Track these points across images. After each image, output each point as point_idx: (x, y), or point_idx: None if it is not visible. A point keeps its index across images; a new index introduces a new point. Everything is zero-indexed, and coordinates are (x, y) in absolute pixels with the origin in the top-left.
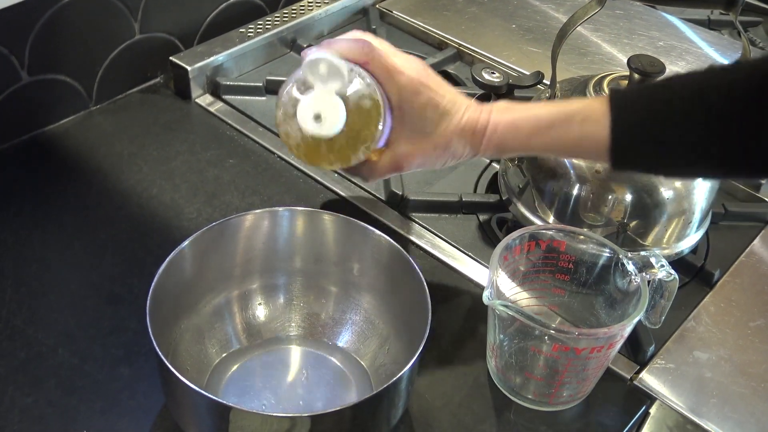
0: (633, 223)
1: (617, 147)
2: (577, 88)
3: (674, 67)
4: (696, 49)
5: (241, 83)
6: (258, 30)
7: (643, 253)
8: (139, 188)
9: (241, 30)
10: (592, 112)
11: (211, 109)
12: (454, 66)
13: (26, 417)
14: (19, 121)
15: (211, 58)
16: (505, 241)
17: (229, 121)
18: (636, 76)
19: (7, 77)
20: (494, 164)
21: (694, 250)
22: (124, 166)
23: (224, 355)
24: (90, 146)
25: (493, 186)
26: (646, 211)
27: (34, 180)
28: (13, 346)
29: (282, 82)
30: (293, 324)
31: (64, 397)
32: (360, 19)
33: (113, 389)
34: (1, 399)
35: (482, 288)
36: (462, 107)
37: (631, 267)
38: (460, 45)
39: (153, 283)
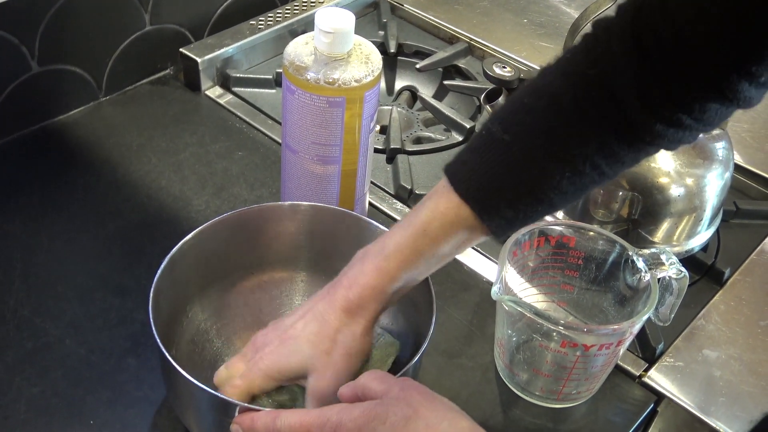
0: (643, 220)
1: (480, 209)
2: None
3: None
4: None
5: (251, 75)
6: (268, 22)
7: (653, 250)
8: (148, 180)
9: (251, 22)
10: (437, 205)
11: (221, 101)
12: (465, 60)
13: (32, 407)
14: (29, 111)
15: (221, 50)
16: (515, 236)
17: (239, 114)
18: None
19: (17, 67)
20: None
21: (705, 248)
22: (132, 157)
23: (230, 349)
24: (99, 137)
25: None
26: (657, 208)
27: (42, 170)
28: (21, 336)
29: None
30: None
31: (71, 388)
32: (371, 12)
33: (120, 380)
34: (8, 389)
35: (491, 283)
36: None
37: (640, 264)
38: (472, 39)
39: (155, 278)
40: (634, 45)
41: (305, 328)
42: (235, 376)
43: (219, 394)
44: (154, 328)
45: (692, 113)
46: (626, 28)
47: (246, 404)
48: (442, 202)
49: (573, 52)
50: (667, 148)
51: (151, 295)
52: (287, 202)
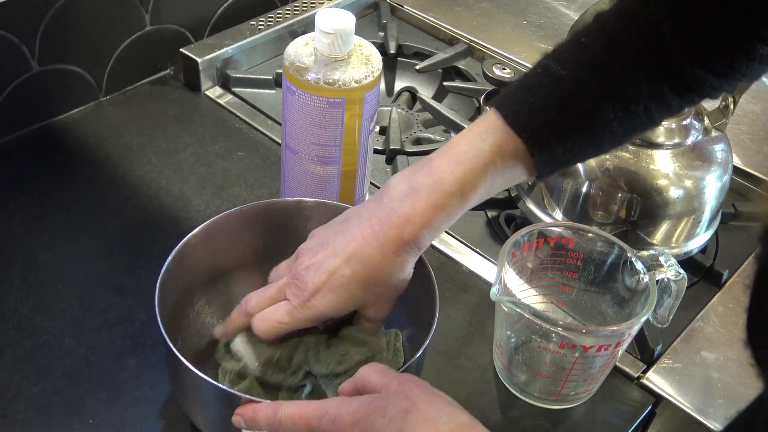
0: (642, 222)
1: (532, 143)
2: None
3: None
4: None
5: (251, 76)
6: (269, 23)
7: (651, 251)
8: (148, 179)
9: (251, 23)
10: (496, 139)
11: (221, 101)
12: (464, 62)
13: (32, 406)
14: (29, 110)
15: (222, 51)
16: (514, 237)
17: (239, 114)
18: None
19: (18, 67)
20: None
21: (703, 250)
22: (132, 157)
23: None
24: (99, 137)
25: None
26: (655, 209)
27: (42, 170)
28: (20, 334)
29: None
30: None
31: (71, 387)
32: (371, 13)
33: (119, 379)
34: (8, 387)
35: (490, 284)
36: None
37: (639, 266)
38: (471, 41)
39: (162, 271)
40: None
41: (354, 273)
42: (270, 311)
43: (224, 387)
44: (159, 320)
45: (726, 62)
46: None
47: (248, 396)
48: (499, 136)
49: None
50: (710, 96)
51: (158, 286)
52: (294, 198)
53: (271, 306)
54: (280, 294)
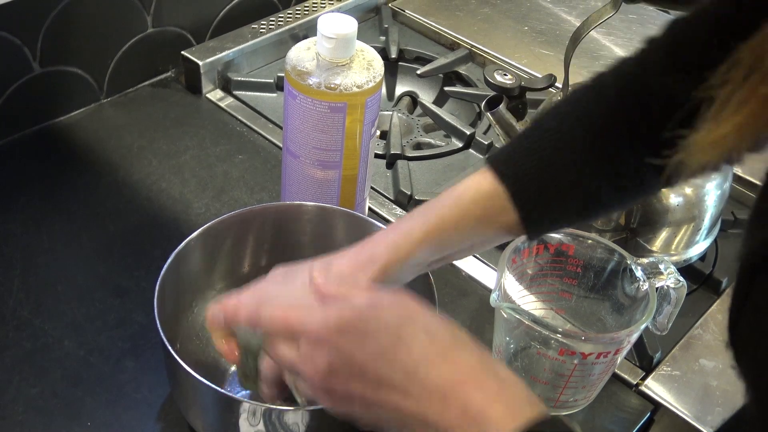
0: (642, 229)
1: (521, 201)
2: None
3: None
4: None
5: (252, 79)
6: (270, 26)
7: (651, 259)
8: (148, 182)
9: (253, 26)
10: (480, 188)
11: (222, 104)
12: (465, 67)
13: (31, 408)
14: (30, 111)
15: (223, 54)
16: (514, 243)
17: (239, 117)
18: None
19: (19, 68)
20: None
21: (703, 258)
22: (133, 159)
23: None
24: (100, 139)
25: None
26: (655, 216)
27: (43, 171)
28: (20, 336)
29: None
30: None
31: (70, 389)
32: (372, 17)
33: (118, 382)
34: (7, 389)
35: (489, 290)
36: None
37: (639, 273)
38: (472, 46)
39: (161, 274)
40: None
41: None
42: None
43: (223, 390)
44: (159, 323)
45: None
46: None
47: (249, 401)
48: (480, 179)
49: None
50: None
51: (157, 289)
52: (295, 202)
53: None
54: None
